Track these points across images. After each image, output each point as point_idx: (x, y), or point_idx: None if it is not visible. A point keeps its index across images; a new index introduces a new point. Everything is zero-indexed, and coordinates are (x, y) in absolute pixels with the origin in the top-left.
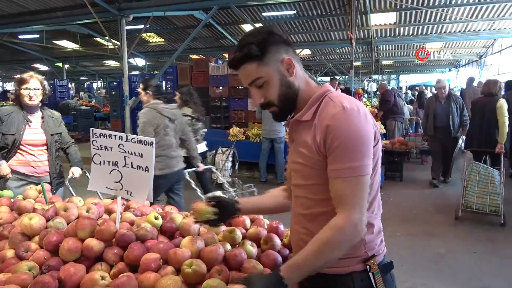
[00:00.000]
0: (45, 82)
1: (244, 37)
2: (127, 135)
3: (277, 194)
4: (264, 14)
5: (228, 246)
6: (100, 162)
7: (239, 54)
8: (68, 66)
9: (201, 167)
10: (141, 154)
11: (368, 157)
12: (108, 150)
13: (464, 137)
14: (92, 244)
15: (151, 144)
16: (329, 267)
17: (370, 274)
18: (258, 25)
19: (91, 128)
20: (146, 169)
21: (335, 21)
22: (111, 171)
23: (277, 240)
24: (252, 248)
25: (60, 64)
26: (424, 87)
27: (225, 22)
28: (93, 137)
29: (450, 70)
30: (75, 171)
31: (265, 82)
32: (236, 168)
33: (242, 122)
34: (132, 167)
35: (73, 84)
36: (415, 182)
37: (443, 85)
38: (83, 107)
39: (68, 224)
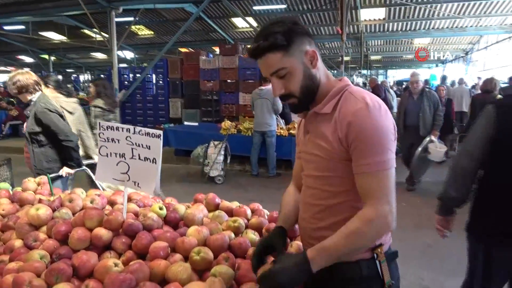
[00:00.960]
0: (11, 80)
1: (268, 26)
2: (134, 128)
3: (294, 196)
4: (255, 7)
5: (232, 235)
6: (107, 154)
7: (264, 42)
8: (55, 58)
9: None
10: (149, 146)
11: (392, 151)
12: (115, 142)
13: (434, 138)
14: (101, 233)
15: (159, 136)
16: None
17: (377, 262)
18: (249, 19)
19: (98, 121)
20: (154, 160)
21: (325, 16)
22: (118, 162)
23: None
24: (255, 237)
25: (46, 56)
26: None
27: (216, 16)
28: (100, 130)
29: (437, 65)
30: (64, 170)
31: (288, 73)
32: (228, 161)
33: (233, 115)
34: (139, 158)
35: (60, 76)
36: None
37: (415, 79)
38: None
39: (73, 214)
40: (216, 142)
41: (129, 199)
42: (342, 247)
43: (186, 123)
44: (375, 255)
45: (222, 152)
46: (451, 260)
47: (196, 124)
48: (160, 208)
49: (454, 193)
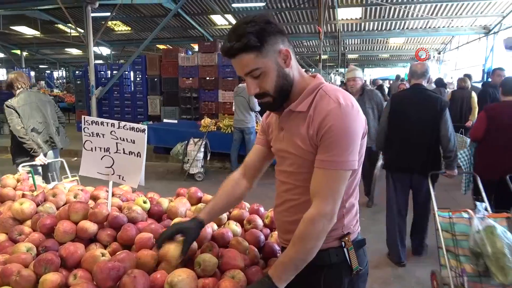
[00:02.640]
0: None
1: (241, 25)
2: (119, 123)
3: (232, 189)
4: (234, 5)
5: (215, 226)
6: (92, 148)
7: (237, 44)
8: (27, 53)
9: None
10: (133, 141)
11: (353, 154)
12: (100, 137)
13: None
14: (86, 226)
15: (143, 131)
16: None
17: (345, 249)
18: (228, 16)
19: (82, 116)
20: (138, 154)
21: (303, 14)
22: (103, 157)
23: (259, 221)
24: (237, 228)
25: (18, 52)
26: (380, 81)
27: (194, 12)
28: (84, 125)
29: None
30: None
31: (262, 73)
32: (208, 158)
33: (213, 113)
34: (124, 152)
35: (33, 73)
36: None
37: (351, 76)
38: None
39: (57, 209)
40: (195, 140)
41: (112, 194)
42: (294, 254)
43: (165, 120)
44: (343, 243)
45: (202, 149)
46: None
47: (176, 121)
48: (144, 202)
49: (380, 144)
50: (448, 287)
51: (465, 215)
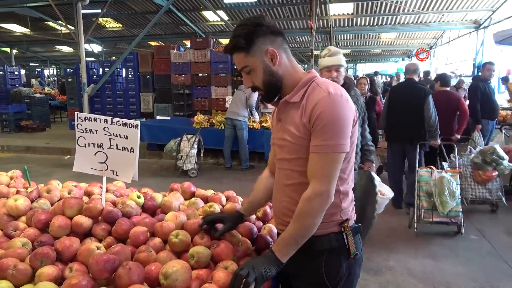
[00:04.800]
0: None
1: (236, 27)
2: (112, 118)
3: (267, 183)
4: (226, 1)
5: None
6: (85, 144)
7: (229, 44)
8: (17, 51)
9: None
10: (126, 136)
11: (345, 138)
12: (93, 133)
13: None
14: (81, 221)
15: (136, 126)
16: None
17: (344, 235)
18: (220, 12)
19: (76, 112)
20: (132, 150)
21: (295, 10)
22: (96, 152)
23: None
24: None
25: (7, 49)
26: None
27: (186, 9)
28: (77, 121)
29: (403, 59)
30: None
31: (251, 70)
32: (202, 155)
33: (206, 109)
34: (117, 148)
35: (24, 70)
36: None
37: (335, 64)
38: (37, 95)
39: (51, 205)
40: (189, 136)
41: (106, 190)
42: (294, 231)
43: (158, 117)
44: (343, 228)
45: (196, 146)
46: (413, 244)
47: (168, 118)
48: (138, 197)
49: (383, 123)
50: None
51: (428, 169)
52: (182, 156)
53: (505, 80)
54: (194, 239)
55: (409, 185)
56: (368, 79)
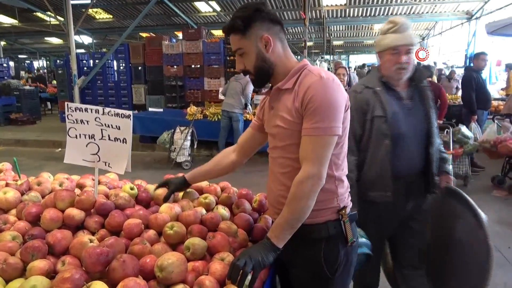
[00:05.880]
0: None
1: (237, 10)
2: (103, 109)
3: (223, 158)
4: None
5: (204, 211)
6: (76, 135)
7: (227, 24)
8: (5, 43)
9: None
10: (119, 127)
11: (337, 121)
12: (84, 124)
13: None
14: (73, 213)
15: (128, 117)
16: (309, 218)
17: (342, 222)
18: (212, 3)
19: (66, 103)
20: (124, 140)
21: (288, 1)
22: (88, 144)
23: (247, 205)
24: (226, 212)
25: None
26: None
27: None
28: (68, 111)
29: None
30: None
31: (244, 53)
32: (195, 147)
33: (198, 101)
34: (109, 139)
35: (13, 63)
36: None
37: (400, 43)
38: (27, 87)
39: (43, 197)
40: (182, 128)
41: (99, 182)
42: (288, 215)
43: (150, 109)
44: (340, 216)
45: (189, 138)
46: None
47: (161, 110)
48: (131, 188)
49: None
50: None
51: None
52: (175, 148)
53: (510, 67)
54: (189, 230)
55: None
56: (347, 69)
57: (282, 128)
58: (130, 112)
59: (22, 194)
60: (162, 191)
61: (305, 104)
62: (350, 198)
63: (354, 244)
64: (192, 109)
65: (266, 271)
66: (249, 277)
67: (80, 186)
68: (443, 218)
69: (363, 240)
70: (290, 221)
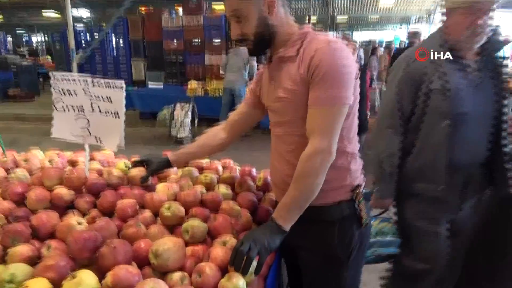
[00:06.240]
0: None
1: None
2: (93, 78)
3: (211, 137)
4: None
5: (204, 190)
6: (64, 108)
7: None
8: (1, 18)
9: None
10: (110, 99)
11: (347, 87)
12: (71, 95)
13: None
14: (62, 192)
15: (120, 87)
16: (320, 199)
17: (356, 202)
18: None
19: (51, 72)
20: (116, 113)
21: None
22: (77, 117)
23: (251, 183)
24: (228, 191)
25: None
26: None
27: None
28: (54, 81)
29: (401, 26)
30: None
31: (244, 16)
32: (196, 123)
33: (199, 77)
34: (100, 112)
35: (11, 37)
36: None
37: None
38: (25, 62)
39: (31, 176)
40: (182, 104)
41: (92, 158)
42: (296, 193)
43: (150, 85)
44: (354, 195)
45: (190, 114)
46: None
47: (161, 85)
48: (126, 166)
49: None
50: None
51: None
52: (175, 124)
53: None
54: (188, 211)
55: None
56: (356, 46)
57: (285, 101)
58: (122, 82)
59: (8, 171)
60: (138, 171)
61: (312, 71)
62: (363, 175)
63: (368, 226)
64: (192, 84)
65: (272, 255)
66: (254, 263)
67: (73, 163)
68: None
69: (392, 238)
70: (298, 200)
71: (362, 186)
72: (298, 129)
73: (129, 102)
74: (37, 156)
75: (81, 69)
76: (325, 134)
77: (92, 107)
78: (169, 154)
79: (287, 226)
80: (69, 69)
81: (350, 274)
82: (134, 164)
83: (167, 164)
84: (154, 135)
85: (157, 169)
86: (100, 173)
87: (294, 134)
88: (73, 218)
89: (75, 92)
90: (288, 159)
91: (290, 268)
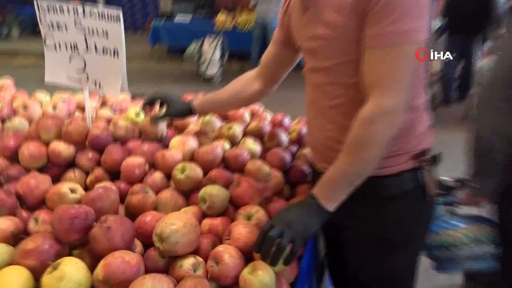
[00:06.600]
0: None
1: None
2: (83, 6)
3: (243, 85)
4: None
5: (227, 145)
6: (55, 45)
7: None
8: None
9: None
10: (106, 33)
11: (422, 18)
12: (62, 30)
13: None
14: (59, 148)
15: (117, 18)
16: (375, 169)
17: (421, 172)
18: None
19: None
20: (115, 52)
21: None
22: (71, 57)
23: (283, 136)
24: (255, 146)
25: None
26: None
27: None
28: (39, 12)
29: None
30: None
31: None
32: (226, 59)
33: (229, 8)
34: (96, 51)
35: None
36: None
37: None
38: None
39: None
40: (211, 38)
41: (104, 103)
42: (347, 167)
43: (177, 18)
44: (420, 163)
45: (219, 49)
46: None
47: (188, 19)
48: (137, 114)
49: None
50: None
51: None
52: (204, 61)
53: None
54: (207, 174)
55: None
56: None
57: (326, 39)
58: (119, 11)
59: (3, 121)
60: (149, 121)
61: None
62: (430, 131)
63: (434, 202)
64: (221, 17)
65: None
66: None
67: (83, 109)
68: None
69: (488, 248)
70: (349, 176)
71: (430, 150)
72: (346, 78)
73: (156, 37)
74: (40, 101)
75: (108, 2)
76: (393, 87)
77: (87, 44)
78: (193, 98)
79: (331, 207)
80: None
81: (405, 261)
82: (148, 103)
83: (189, 111)
84: (182, 72)
85: (176, 114)
86: (109, 123)
87: (340, 85)
88: (65, 185)
89: (65, 26)
90: (331, 117)
91: (330, 242)
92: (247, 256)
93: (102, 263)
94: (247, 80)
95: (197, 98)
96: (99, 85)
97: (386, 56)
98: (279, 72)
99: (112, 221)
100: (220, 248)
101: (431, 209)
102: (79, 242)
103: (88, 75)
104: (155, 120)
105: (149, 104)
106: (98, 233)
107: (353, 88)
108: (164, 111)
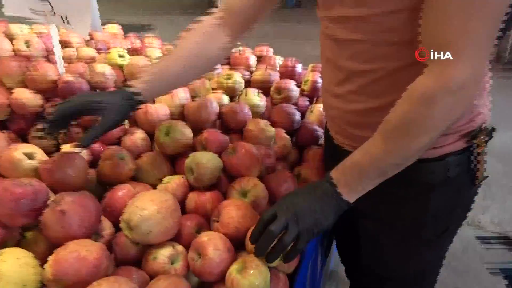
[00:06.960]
0: None
1: None
2: None
3: (201, 41)
4: None
5: (225, 99)
6: None
7: None
8: None
9: None
10: None
11: None
12: None
13: None
14: (23, 98)
15: None
16: None
17: (473, 154)
18: None
19: None
20: None
21: None
22: None
23: (293, 88)
24: (259, 100)
25: None
26: None
27: None
28: None
29: None
30: None
31: None
32: None
33: None
34: None
35: None
36: None
37: None
38: None
39: None
40: None
41: (91, 38)
42: (382, 154)
43: None
44: (473, 145)
45: None
46: None
47: None
48: (121, 56)
49: None
50: None
51: None
52: None
53: None
54: (199, 135)
55: None
56: None
57: None
58: None
59: None
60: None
61: None
62: (488, 101)
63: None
64: None
65: None
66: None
67: (66, 45)
68: None
69: None
70: (384, 166)
71: (486, 123)
72: (393, 35)
73: None
74: (13, 35)
75: None
76: (468, 52)
77: None
78: (134, 83)
79: (352, 198)
80: None
81: (434, 254)
82: (56, 123)
83: (130, 107)
84: (194, 1)
85: (118, 122)
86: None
87: (382, 44)
88: (19, 149)
89: None
90: (360, 87)
91: (341, 227)
92: (237, 244)
93: (51, 258)
94: (206, 34)
95: (136, 80)
96: (66, 20)
97: (455, 8)
98: (255, 16)
99: (68, 202)
100: (204, 237)
101: (476, 194)
102: (32, 224)
103: (53, 8)
104: (86, 142)
105: (57, 125)
106: (50, 219)
107: (400, 50)
108: (96, 125)
